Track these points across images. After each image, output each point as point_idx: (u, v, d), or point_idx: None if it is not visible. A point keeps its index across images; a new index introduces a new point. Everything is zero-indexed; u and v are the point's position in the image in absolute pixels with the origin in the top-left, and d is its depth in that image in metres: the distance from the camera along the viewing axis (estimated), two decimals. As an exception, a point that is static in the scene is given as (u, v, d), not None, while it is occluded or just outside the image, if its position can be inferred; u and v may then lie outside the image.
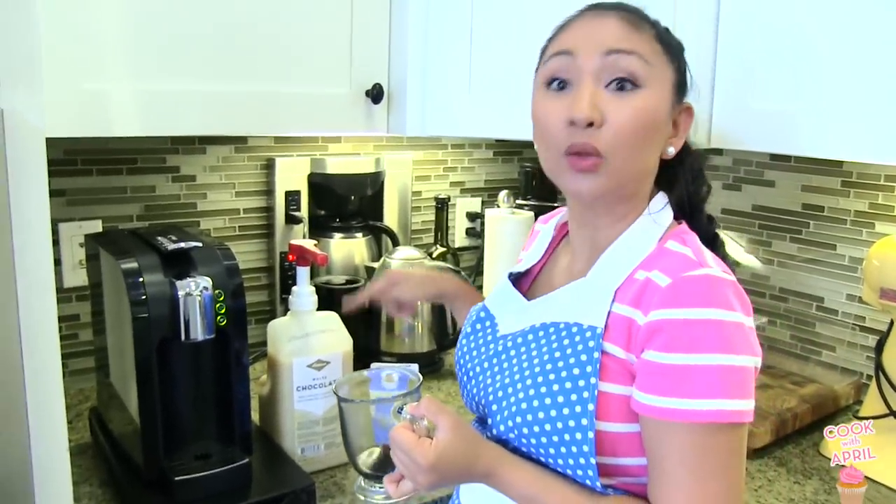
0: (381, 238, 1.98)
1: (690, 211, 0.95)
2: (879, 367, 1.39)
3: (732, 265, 0.90)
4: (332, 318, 1.34)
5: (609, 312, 0.86)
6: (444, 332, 1.82)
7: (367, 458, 1.16)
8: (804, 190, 1.71)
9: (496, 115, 1.47)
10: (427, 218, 2.09)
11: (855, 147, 1.20)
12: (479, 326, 1.04)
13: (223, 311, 1.13)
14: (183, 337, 1.09)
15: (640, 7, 0.91)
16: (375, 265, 1.83)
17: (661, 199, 0.94)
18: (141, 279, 1.09)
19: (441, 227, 1.98)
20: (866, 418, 1.40)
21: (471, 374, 1.01)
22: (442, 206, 1.96)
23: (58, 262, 1.55)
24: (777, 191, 1.77)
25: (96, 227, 1.61)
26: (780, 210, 1.76)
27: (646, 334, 0.82)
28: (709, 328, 0.79)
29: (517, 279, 1.06)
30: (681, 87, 0.91)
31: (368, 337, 1.75)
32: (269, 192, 1.82)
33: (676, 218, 0.94)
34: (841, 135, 1.21)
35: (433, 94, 1.48)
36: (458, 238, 2.15)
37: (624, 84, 0.85)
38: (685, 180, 0.95)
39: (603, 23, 0.88)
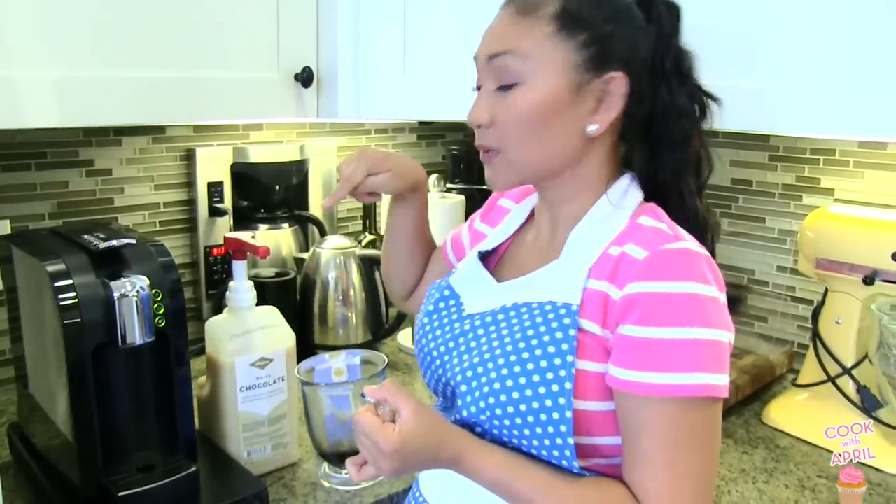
0: (307, 228, 1.92)
1: (657, 192, 0.92)
2: (816, 335, 1.42)
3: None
4: (272, 312, 1.28)
5: (584, 289, 0.85)
6: (378, 322, 1.78)
7: (331, 443, 1.11)
8: (733, 165, 1.74)
9: (432, 97, 1.43)
10: (353, 206, 2.04)
11: (814, 123, 1.19)
12: (442, 305, 1.01)
13: (161, 311, 1.06)
14: (120, 342, 1.02)
15: None
16: (305, 255, 1.78)
17: (624, 181, 0.92)
18: (70, 281, 1.01)
19: (369, 214, 1.94)
20: (805, 386, 1.44)
21: (434, 353, 0.98)
22: (370, 193, 1.91)
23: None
24: (706, 167, 1.79)
25: (4, 227, 1.49)
26: (710, 185, 1.75)
27: (622, 308, 0.81)
28: (687, 301, 0.78)
29: (484, 257, 1.04)
30: (597, 58, 0.87)
31: (303, 330, 1.69)
32: (189, 184, 1.74)
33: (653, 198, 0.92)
34: (800, 111, 1.20)
35: (366, 77, 1.43)
36: (384, 225, 2.10)
37: (504, 85, 0.88)
38: (642, 157, 0.92)
39: (494, 24, 0.91)
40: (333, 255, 1.70)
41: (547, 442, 0.83)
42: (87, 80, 1.17)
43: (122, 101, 1.22)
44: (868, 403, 1.32)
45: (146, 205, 1.69)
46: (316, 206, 1.93)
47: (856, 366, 1.36)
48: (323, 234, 1.87)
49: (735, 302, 0.93)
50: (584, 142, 0.89)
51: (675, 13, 0.92)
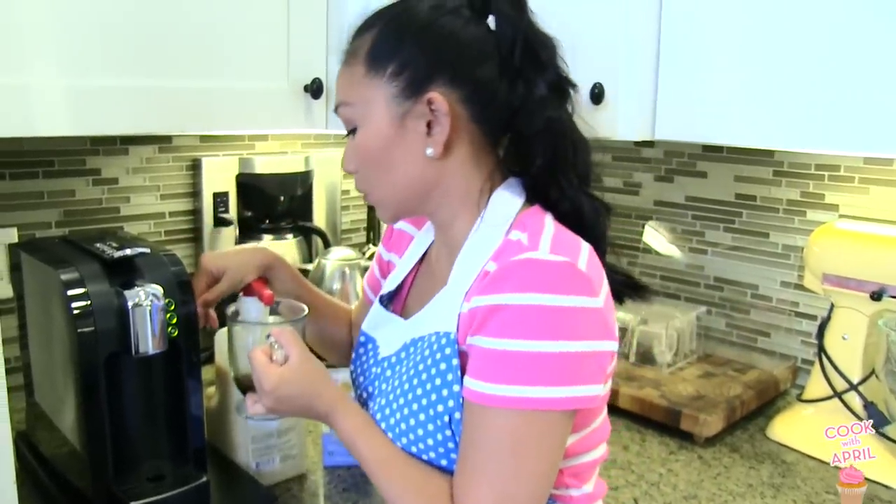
0: (311, 239, 1.92)
1: (533, 189, 0.91)
2: (822, 350, 1.43)
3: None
4: (283, 325, 1.27)
5: (459, 314, 0.85)
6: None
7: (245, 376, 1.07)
8: (737, 180, 1.75)
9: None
10: (356, 217, 2.04)
11: (810, 137, 1.21)
12: (361, 351, 1.03)
13: (174, 321, 1.05)
14: (133, 351, 1.01)
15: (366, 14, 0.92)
16: (309, 267, 1.78)
17: (498, 193, 0.91)
18: (83, 290, 1.01)
19: (373, 226, 1.94)
20: (811, 401, 1.44)
21: (361, 400, 1.01)
22: (374, 204, 1.91)
23: (-30, 274, 1.43)
24: (709, 181, 1.80)
25: (11, 235, 1.49)
26: (713, 200, 1.80)
27: (467, 320, 0.82)
28: (522, 313, 0.77)
29: (391, 299, 1.05)
30: (411, 84, 0.86)
31: (308, 342, 1.68)
32: (195, 193, 1.74)
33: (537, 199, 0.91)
34: (790, 125, 1.22)
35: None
36: (389, 237, 2.10)
37: (350, 132, 0.92)
38: (512, 156, 0.93)
39: (337, 77, 0.93)
40: (338, 266, 1.70)
41: (444, 462, 0.86)
42: (97, 88, 1.17)
43: (132, 110, 1.22)
44: (875, 419, 1.32)
45: (152, 214, 1.68)
46: (320, 217, 1.93)
47: (862, 381, 1.37)
48: (327, 245, 1.87)
49: (638, 289, 0.96)
50: (433, 165, 0.88)
51: (516, 2, 0.88)
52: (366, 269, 1.69)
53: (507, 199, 0.90)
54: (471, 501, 0.80)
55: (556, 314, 0.77)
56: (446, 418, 0.84)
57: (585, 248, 0.84)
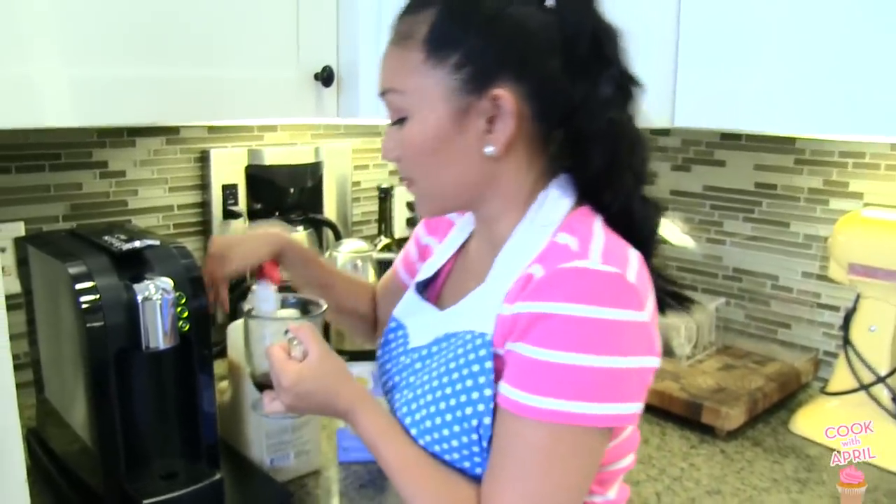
0: (321, 231, 1.89)
1: (585, 189, 0.87)
2: (848, 342, 1.39)
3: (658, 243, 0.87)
4: (295, 317, 1.24)
5: (497, 316, 0.81)
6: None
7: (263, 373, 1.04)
8: (756, 169, 1.71)
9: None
10: (367, 209, 2.01)
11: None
12: (391, 337, 1.00)
13: (185, 314, 1.02)
14: (144, 346, 0.98)
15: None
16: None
17: (547, 192, 0.86)
18: (92, 283, 0.98)
19: (385, 217, 1.90)
20: (836, 394, 1.41)
21: (386, 388, 0.97)
22: (385, 195, 1.88)
23: (-23, 269, 1.41)
24: (728, 170, 1.76)
25: (18, 229, 1.46)
26: (732, 189, 1.76)
27: (510, 325, 0.79)
28: (567, 324, 0.74)
29: (426, 286, 1.02)
30: (475, 78, 0.80)
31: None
32: (204, 186, 1.71)
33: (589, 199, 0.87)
34: (814, 110, 1.19)
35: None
36: (399, 229, 2.07)
37: (397, 121, 0.86)
38: (567, 155, 0.87)
39: (382, 59, 0.88)
40: (350, 258, 1.67)
41: (467, 464, 0.83)
42: (103, 78, 1.14)
43: (139, 101, 1.19)
44: (904, 412, 1.29)
45: (160, 207, 1.66)
46: (330, 209, 1.90)
47: (891, 374, 1.33)
48: (338, 237, 1.84)
49: (683, 301, 0.91)
50: (489, 163, 0.84)
51: None
52: (379, 261, 1.67)
53: (557, 199, 0.86)
54: None
55: (603, 328, 0.74)
56: (474, 422, 0.80)
57: (634, 258, 0.80)
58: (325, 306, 1.01)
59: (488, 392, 0.79)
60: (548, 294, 0.75)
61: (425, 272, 1.03)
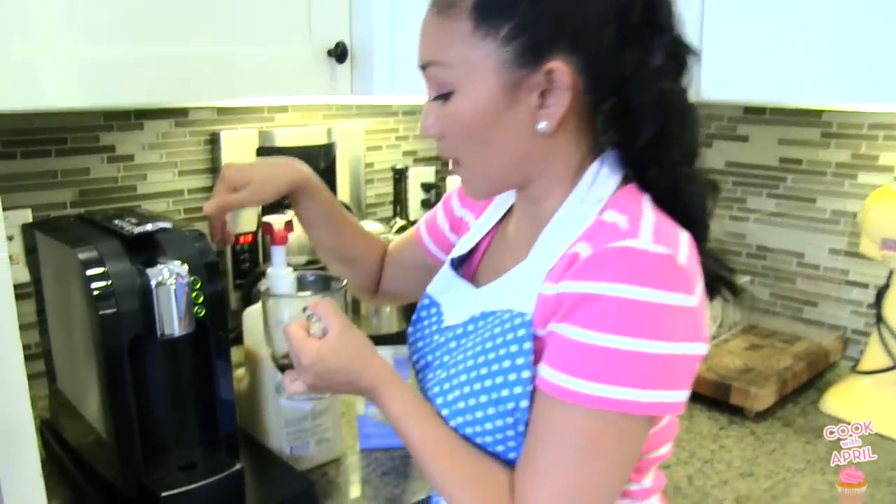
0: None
1: (631, 165, 0.82)
2: (881, 319, 1.35)
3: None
4: (326, 302, 1.21)
5: (539, 295, 0.77)
6: (413, 310, 1.71)
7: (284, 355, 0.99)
8: (781, 143, 1.66)
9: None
10: (381, 191, 1.97)
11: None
12: (424, 315, 0.96)
13: (200, 300, 0.99)
14: (158, 333, 0.95)
15: None
16: (335, 243, 1.71)
17: (594, 168, 0.82)
18: (103, 269, 0.94)
19: (400, 199, 1.86)
20: (868, 372, 1.37)
21: (418, 367, 0.94)
22: (400, 176, 1.84)
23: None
24: (751, 145, 1.72)
25: (25, 216, 1.43)
26: (756, 165, 1.72)
27: (553, 305, 0.75)
28: (616, 306, 0.69)
29: (462, 262, 0.98)
30: (528, 50, 0.75)
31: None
32: (214, 169, 1.67)
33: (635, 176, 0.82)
34: (844, 79, 1.14)
35: (404, 51, 1.35)
36: (414, 210, 2.03)
37: (440, 95, 0.80)
38: (615, 127, 0.82)
39: (422, 27, 0.82)
40: (366, 241, 1.63)
41: (500, 448, 0.80)
42: (108, 57, 1.09)
43: (146, 80, 1.14)
44: (941, 390, 1.25)
45: (170, 192, 1.62)
46: (344, 191, 1.86)
47: (928, 351, 1.29)
48: (352, 220, 1.80)
49: (734, 288, 0.86)
50: (540, 139, 0.79)
51: None
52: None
53: (604, 176, 0.81)
54: (534, 501, 0.74)
55: (652, 311, 0.69)
56: (510, 405, 0.77)
57: (685, 239, 0.76)
58: (345, 281, 0.96)
59: (526, 374, 0.76)
60: (596, 274, 0.71)
61: (461, 248, 0.99)
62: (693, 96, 1.28)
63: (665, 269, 0.70)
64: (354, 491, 1.14)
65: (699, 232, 0.80)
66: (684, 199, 0.80)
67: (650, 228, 0.73)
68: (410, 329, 0.98)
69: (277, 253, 1.11)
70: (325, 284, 1.01)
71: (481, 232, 0.98)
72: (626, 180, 0.81)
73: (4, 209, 1.38)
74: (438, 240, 1.09)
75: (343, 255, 1.15)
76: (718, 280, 0.85)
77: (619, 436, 0.73)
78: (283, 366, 0.91)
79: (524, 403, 0.76)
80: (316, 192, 1.08)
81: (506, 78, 0.76)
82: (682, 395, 0.73)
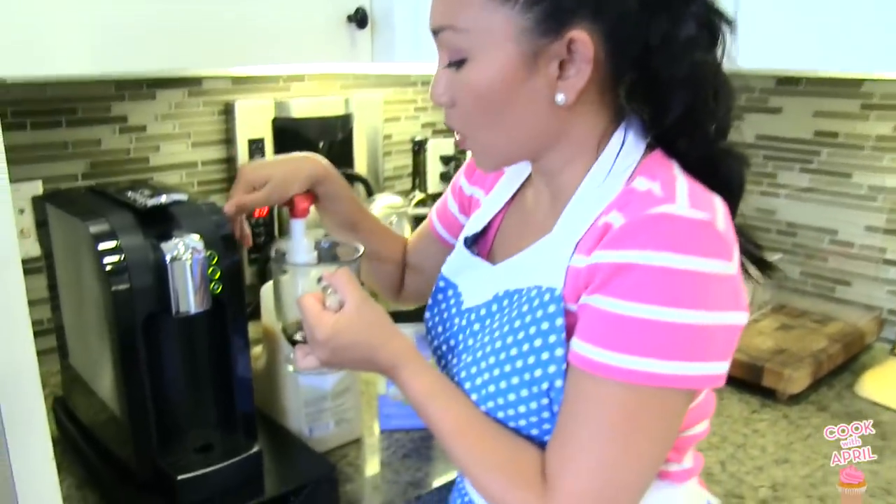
0: (353, 187, 1.80)
1: (663, 135, 0.77)
2: (922, 299, 1.30)
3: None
4: (342, 273, 1.16)
5: (567, 268, 0.73)
6: (432, 286, 1.67)
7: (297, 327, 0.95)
8: (816, 116, 1.60)
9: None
10: (399, 163, 1.92)
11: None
12: (440, 298, 0.91)
13: (217, 275, 0.94)
14: (174, 310, 0.91)
15: None
16: (352, 218, 1.66)
17: (619, 137, 0.77)
18: (115, 243, 0.90)
19: (419, 171, 1.81)
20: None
21: (439, 353, 0.89)
22: (419, 148, 1.79)
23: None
24: (784, 118, 1.65)
25: (36, 189, 1.39)
26: (788, 139, 1.65)
27: (586, 277, 0.71)
28: (654, 275, 0.65)
29: (475, 240, 0.93)
30: (549, 18, 0.71)
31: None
32: (229, 140, 1.62)
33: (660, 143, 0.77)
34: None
35: (427, 16, 1.29)
36: (433, 183, 1.98)
37: (454, 62, 0.76)
38: (640, 99, 0.78)
39: None
40: (385, 214, 1.58)
41: (535, 432, 0.76)
42: (120, 22, 1.04)
43: (158, 45, 1.09)
44: None
45: (183, 163, 1.57)
46: (361, 164, 1.81)
47: (973, 333, 1.24)
48: (370, 193, 1.75)
49: (765, 266, 0.83)
50: (557, 111, 0.75)
51: None
52: (415, 217, 1.59)
53: (630, 144, 0.77)
54: (568, 484, 0.70)
55: (691, 280, 0.66)
56: (544, 385, 0.73)
57: (720, 205, 0.71)
58: (362, 249, 0.91)
59: (560, 352, 0.72)
60: (632, 242, 0.67)
61: (473, 226, 0.95)
62: (727, 65, 1.24)
63: (704, 236, 0.67)
64: (375, 474, 1.10)
65: (733, 207, 0.76)
66: (723, 173, 0.76)
67: (685, 194, 0.69)
68: (427, 314, 0.94)
69: (297, 227, 1.05)
70: (340, 253, 0.96)
71: (494, 208, 0.94)
72: (650, 147, 0.77)
73: (14, 181, 1.36)
74: (452, 227, 1.04)
75: (369, 255, 1.09)
76: (748, 256, 0.81)
77: (658, 411, 0.69)
78: (294, 339, 0.87)
79: (559, 383, 0.72)
80: (337, 187, 1.04)
81: (525, 47, 0.72)
82: (723, 367, 0.69)
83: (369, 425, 1.22)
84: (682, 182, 0.71)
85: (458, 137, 0.81)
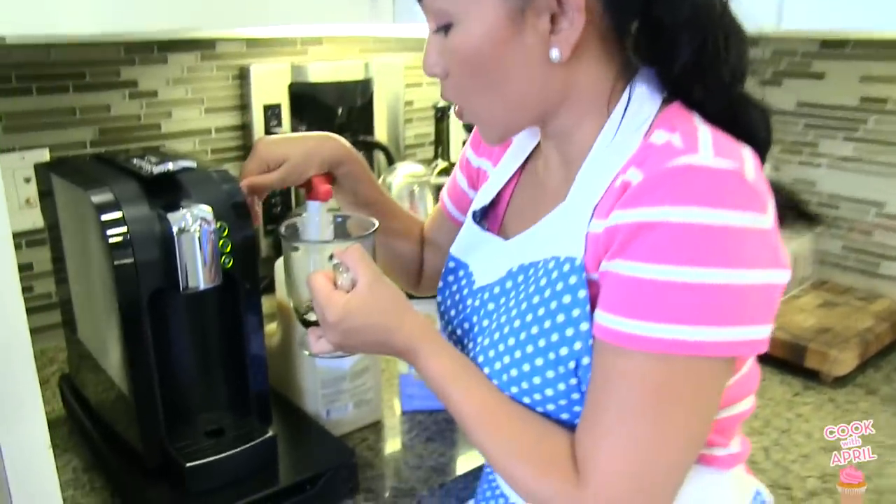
0: (372, 155, 1.74)
1: (676, 85, 0.71)
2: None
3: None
4: (354, 249, 1.10)
5: (587, 234, 0.67)
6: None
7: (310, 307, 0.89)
8: (862, 81, 1.51)
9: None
10: (420, 131, 1.85)
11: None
12: (451, 279, 0.86)
13: (228, 248, 0.88)
14: (181, 286, 0.85)
15: None
16: (372, 188, 1.59)
17: (632, 90, 0.72)
18: (119, 214, 0.84)
19: (442, 139, 1.74)
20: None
21: (454, 338, 0.84)
22: (441, 115, 1.71)
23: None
24: (827, 83, 1.56)
25: (43, 156, 1.33)
26: (832, 106, 1.56)
27: (604, 241, 0.65)
28: (680, 232, 0.59)
29: (485, 215, 0.88)
30: None
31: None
32: (244, 106, 1.55)
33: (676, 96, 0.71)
34: None
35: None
36: (455, 151, 1.90)
37: (441, 28, 0.72)
38: (645, 49, 0.72)
39: None
40: (407, 183, 1.52)
41: (565, 416, 0.71)
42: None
43: (167, 4, 1.03)
44: None
45: (196, 130, 1.51)
46: (381, 131, 1.74)
47: None
48: (390, 161, 1.69)
49: (805, 215, 0.76)
50: (556, 69, 0.70)
51: None
52: (437, 187, 1.51)
53: (644, 97, 0.71)
54: (600, 467, 0.64)
55: (723, 235, 0.59)
56: (571, 364, 0.67)
57: (748, 154, 0.65)
58: (376, 225, 0.85)
59: (585, 326, 0.66)
60: (652, 198, 0.61)
61: (482, 199, 0.89)
62: (773, 27, 1.15)
63: (732, 186, 0.61)
64: (396, 459, 1.04)
65: (762, 156, 0.70)
66: (745, 122, 0.70)
67: (709, 142, 0.63)
68: (438, 298, 0.88)
69: (313, 207, 0.97)
70: (354, 228, 0.90)
71: (503, 179, 0.88)
72: (667, 100, 0.71)
73: (20, 149, 1.30)
74: (461, 203, 0.98)
75: (384, 236, 1.02)
76: (789, 209, 0.74)
77: (693, 383, 0.63)
78: (308, 322, 0.81)
79: (586, 360, 0.66)
80: (358, 169, 0.98)
81: (511, 2, 0.67)
82: (763, 332, 0.63)
83: (390, 406, 1.16)
84: (705, 131, 0.65)
85: (455, 109, 0.77)
